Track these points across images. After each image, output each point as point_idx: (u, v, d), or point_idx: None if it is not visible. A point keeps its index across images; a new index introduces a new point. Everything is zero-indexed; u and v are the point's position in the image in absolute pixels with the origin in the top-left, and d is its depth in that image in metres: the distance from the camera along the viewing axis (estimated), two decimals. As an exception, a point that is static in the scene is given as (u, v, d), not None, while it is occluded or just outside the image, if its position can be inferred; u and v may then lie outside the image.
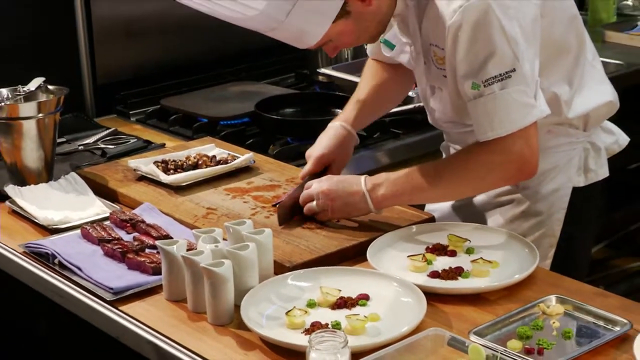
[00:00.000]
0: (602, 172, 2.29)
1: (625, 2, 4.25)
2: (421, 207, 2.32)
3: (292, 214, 2.20)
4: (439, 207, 2.37)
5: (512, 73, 1.97)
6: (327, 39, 2.05)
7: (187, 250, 1.91)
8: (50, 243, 2.13)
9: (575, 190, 2.26)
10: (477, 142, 2.05)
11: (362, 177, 2.14)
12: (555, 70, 2.15)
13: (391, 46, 2.30)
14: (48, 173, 2.50)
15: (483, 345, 1.67)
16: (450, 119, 2.22)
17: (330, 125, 2.39)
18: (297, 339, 1.73)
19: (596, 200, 2.33)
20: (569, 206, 2.25)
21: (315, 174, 2.30)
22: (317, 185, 2.17)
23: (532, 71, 2.00)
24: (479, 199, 2.31)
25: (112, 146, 2.78)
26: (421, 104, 2.53)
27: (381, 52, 2.37)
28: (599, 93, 2.25)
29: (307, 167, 2.32)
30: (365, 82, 2.45)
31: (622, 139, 2.36)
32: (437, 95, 2.22)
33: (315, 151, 2.33)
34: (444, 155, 2.44)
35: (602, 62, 3.36)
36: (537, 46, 2.03)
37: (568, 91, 2.17)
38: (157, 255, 2.00)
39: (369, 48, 2.46)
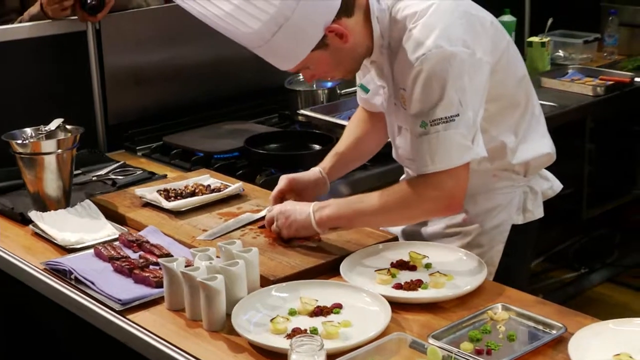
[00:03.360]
0: (538, 212, 2.27)
1: (557, 53, 4.29)
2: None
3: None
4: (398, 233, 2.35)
5: (456, 117, 1.95)
6: (305, 65, 2.02)
7: (186, 266, 1.90)
8: (67, 261, 2.12)
9: (514, 227, 2.24)
10: (416, 176, 2.04)
11: (314, 202, 2.13)
12: (504, 122, 2.14)
13: (366, 90, 2.28)
14: (66, 200, 2.48)
15: (440, 347, 1.66)
16: (411, 156, 2.21)
17: (311, 169, 2.36)
18: (280, 342, 1.72)
19: (532, 236, 2.31)
20: (508, 240, 2.23)
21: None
22: (277, 207, 2.17)
23: (474, 118, 1.98)
24: (430, 229, 2.29)
25: (121, 177, 2.76)
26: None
27: (369, 102, 2.33)
28: (540, 145, 2.24)
29: (278, 187, 2.28)
30: (347, 135, 2.41)
31: (556, 185, 2.34)
32: (402, 135, 2.20)
33: (289, 175, 2.30)
34: None
35: (539, 104, 3.38)
36: (482, 98, 2.02)
37: (514, 140, 2.16)
38: (159, 271, 1.98)
39: (358, 97, 2.39)
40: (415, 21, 1.98)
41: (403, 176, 2.41)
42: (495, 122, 2.09)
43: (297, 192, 2.29)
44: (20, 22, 3.05)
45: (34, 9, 3.01)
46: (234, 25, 1.95)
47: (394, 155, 2.31)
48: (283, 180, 2.30)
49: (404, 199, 2.03)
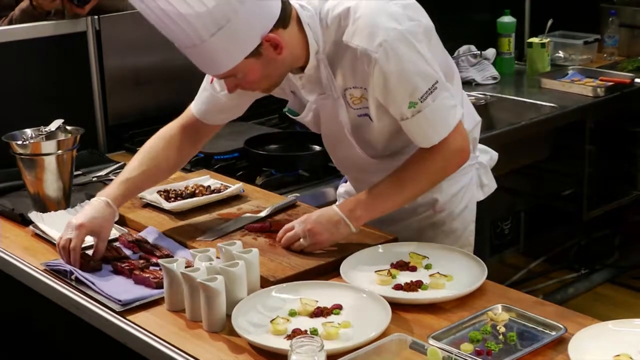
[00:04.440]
0: (492, 185, 2.37)
1: (557, 54, 4.29)
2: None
3: None
4: None
5: (437, 84, 2.00)
6: (234, 73, 1.97)
7: (186, 267, 1.90)
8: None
9: (478, 204, 2.32)
10: (423, 149, 2.06)
11: (334, 207, 2.11)
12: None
13: (294, 114, 2.23)
14: (66, 201, 2.48)
15: (440, 348, 1.66)
16: (380, 151, 2.20)
17: (95, 198, 2.16)
18: (280, 343, 1.72)
19: (488, 208, 2.43)
20: (476, 218, 2.31)
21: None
22: (300, 227, 2.10)
23: (444, 78, 2.04)
24: (402, 220, 2.29)
25: (122, 178, 2.76)
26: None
27: (203, 113, 2.27)
28: (470, 115, 2.30)
29: (69, 236, 2.06)
30: (139, 162, 2.23)
31: (494, 155, 2.42)
32: (361, 134, 2.18)
33: (76, 220, 2.10)
34: (339, 201, 2.39)
35: (539, 105, 3.40)
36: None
37: (460, 110, 2.14)
38: (159, 272, 1.98)
39: (195, 106, 2.29)
40: (353, 16, 1.99)
41: (344, 184, 2.41)
42: None
43: (96, 233, 2.11)
44: (11, 17, 3.04)
45: (24, 3, 3.01)
46: (180, 5, 1.87)
47: (342, 163, 2.31)
48: (73, 229, 2.07)
49: (428, 171, 2.07)
